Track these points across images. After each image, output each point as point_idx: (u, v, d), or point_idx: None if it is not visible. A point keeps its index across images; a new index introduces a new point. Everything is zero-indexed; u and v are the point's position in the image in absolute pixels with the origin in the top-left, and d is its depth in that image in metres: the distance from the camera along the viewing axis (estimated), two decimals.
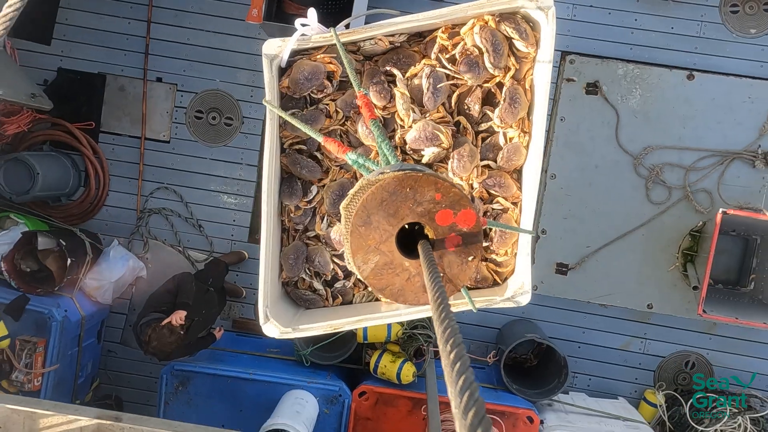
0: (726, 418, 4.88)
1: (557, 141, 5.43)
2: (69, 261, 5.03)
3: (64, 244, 5.06)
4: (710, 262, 4.62)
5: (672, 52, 5.37)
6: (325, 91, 2.61)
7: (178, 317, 4.31)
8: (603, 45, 5.39)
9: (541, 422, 4.87)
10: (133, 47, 5.60)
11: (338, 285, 2.77)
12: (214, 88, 5.61)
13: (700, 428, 4.95)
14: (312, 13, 2.49)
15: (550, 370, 5.40)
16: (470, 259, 1.76)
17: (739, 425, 4.96)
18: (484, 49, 2.51)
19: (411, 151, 2.61)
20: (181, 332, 4.34)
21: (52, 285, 5.10)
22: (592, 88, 5.37)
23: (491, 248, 2.65)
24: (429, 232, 1.72)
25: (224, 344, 5.35)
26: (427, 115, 2.61)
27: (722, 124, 5.31)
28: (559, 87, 5.38)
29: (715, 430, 4.90)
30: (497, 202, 2.67)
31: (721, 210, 4.60)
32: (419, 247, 1.67)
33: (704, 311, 4.67)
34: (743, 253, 5.41)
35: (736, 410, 4.93)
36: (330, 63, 2.56)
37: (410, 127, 2.58)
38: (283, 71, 2.60)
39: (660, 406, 5.38)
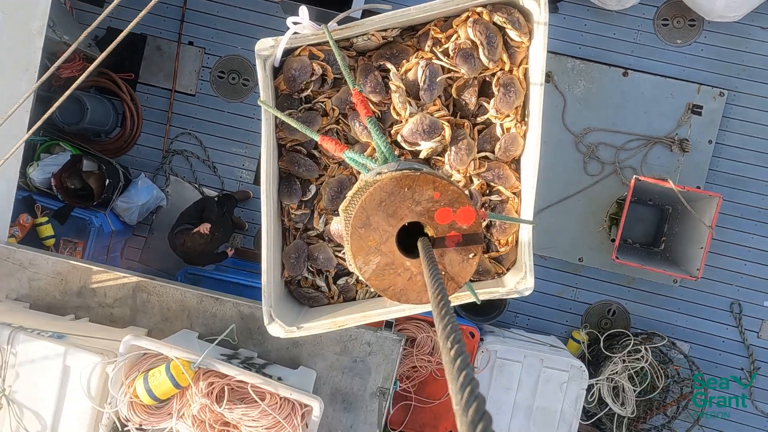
0: (630, 347, 6.00)
1: None
2: (107, 181, 6.13)
3: (104, 167, 6.17)
4: (624, 216, 5.77)
5: (612, 53, 6.56)
6: (313, 78, 2.58)
7: (204, 228, 5.39)
8: (557, 43, 6.58)
9: (482, 340, 5.98)
10: (171, 15, 6.75)
11: (341, 282, 2.76)
12: (236, 53, 6.75)
13: (609, 354, 6.07)
14: (303, 11, 2.48)
15: (495, 305, 6.53)
16: (471, 256, 1.72)
17: (642, 356, 6.09)
18: (478, 42, 2.49)
19: (408, 145, 2.58)
20: (207, 240, 5.43)
21: (91, 202, 6.19)
22: (545, 78, 6.53)
23: (492, 239, 2.65)
24: (429, 231, 1.70)
25: (228, 264, 6.45)
26: (424, 108, 2.58)
27: (648, 114, 6.49)
28: None
29: (620, 357, 6.01)
30: (497, 192, 2.65)
31: (634, 177, 5.75)
32: (419, 245, 1.65)
33: (617, 257, 5.81)
34: (658, 221, 6.58)
35: (639, 342, 6.05)
36: (314, 58, 2.59)
37: (406, 120, 2.55)
38: (277, 71, 2.61)
39: (583, 342, 6.51)
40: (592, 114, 6.53)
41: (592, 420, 6.11)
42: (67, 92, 4.15)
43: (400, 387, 5.58)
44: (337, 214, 2.63)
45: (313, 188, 2.72)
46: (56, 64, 4.51)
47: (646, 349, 6.04)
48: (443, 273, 1.70)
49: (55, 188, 6.09)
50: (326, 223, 2.72)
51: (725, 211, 6.25)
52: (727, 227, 6.37)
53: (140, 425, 3.73)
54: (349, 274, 2.75)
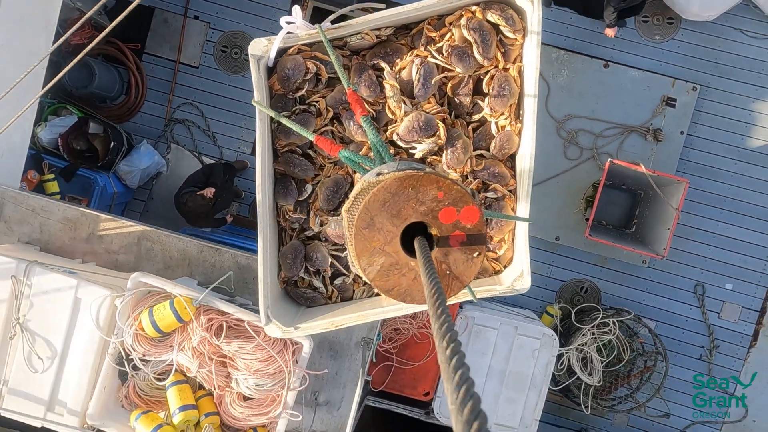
0: (599, 319, 6.42)
1: None
2: (112, 144, 6.43)
3: (110, 131, 6.47)
4: (598, 196, 6.18)
5: (595, 46, 6.97)
6: (308, 77, 2.58)
7: (209, 191, 5.71)
8: (543, 34, 6.93)
9: (461, 307, 6.36)
10: None
11: (338, 282, 2.75)
12: (239, 29, 7.08)
13: (580, 326, 6.49)
14: (297, 10, 2.49)
15: None
16: (476, 255, 1.71)
17: (610, 330, 6.52)
18: (472, 41, 2.49)
19: (404, 144, 2.57)
20: (210, 204, 5.75)
21: (95, 163, 6.49)
22: None
23: (489, 236, 2.66)
24: (433, 230, 1.69)
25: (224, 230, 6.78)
26: (419, 106, 2.58)
27: (626, 104, 6.91)
28: None
29: (589, 328, 6.43)
30: (493, 189, 2.65)
31: (609, 160, 6.17)
32: (415, 244, 1.65)
33: (590, 234, 6.22)
34: (631, 205, 7.01)
35: (608, 315, 6.47)
36: (309, 57, 2.59)
37: (401, 119, 2.54)
38: (271, 71, 2.63)
39: (555, 316, 6.92)
40: (573, 102, 6.93)
41: (561, 387, 6.52)
42: (82, 53, 4.46)
43: (382, 349, 5.95)
44: (333, 215, 2.68)
45: (309, 188, 2.72)
46: (73, 29, 4.85)
47: (614, 322, 6.46)
48: (448, 272, 1.70)
49: (62, 148, 6.38)
50: (322, 224, 2.71)
51: (693, 198, 6.70)
52: (694, 213, 6.81)
53: (143, 355, 4.06)
54: (346, 274, 2.76)
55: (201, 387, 4.30)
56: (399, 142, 2.58)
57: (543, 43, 6.57)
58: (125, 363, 4.08)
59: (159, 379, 4.19)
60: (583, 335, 6.47)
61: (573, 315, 6.65)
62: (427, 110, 2.57)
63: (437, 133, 2.54)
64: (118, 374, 4.23)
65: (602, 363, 6.55)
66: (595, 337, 6.52)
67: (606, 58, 6.94)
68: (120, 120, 7.04)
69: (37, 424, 4.09)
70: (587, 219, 6.49)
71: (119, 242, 4.84)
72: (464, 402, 0.87)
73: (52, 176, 6.10)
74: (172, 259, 4.86)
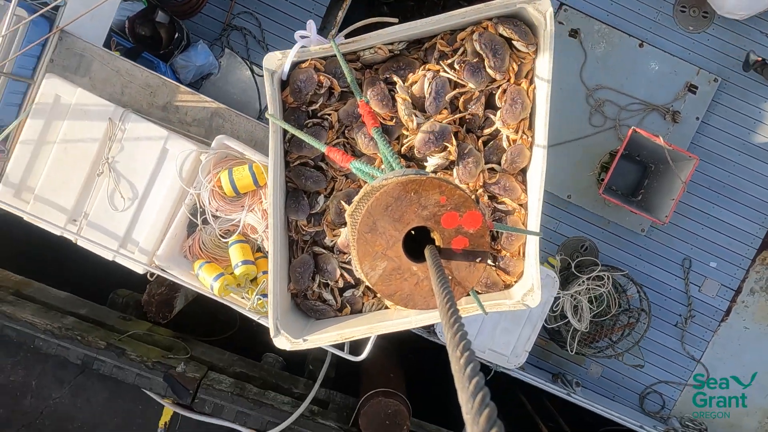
0: (596, 272, 7.05)
1: None
2: (176, 35, 6.74)
3: (175, 23, 6.76)
4: (617, 159, 6.76)
5: (633, 25, 7.50)
6: (322, 91, 2.59)
7: None
8: (589, 6, 7.47)
9: None
10: None
11: (347, 294, 2.78)
12: None
13: (578, 274, 7.10)
14: (311, 24, 2.56)
15: None
16: (478, 260, 1.70)
17: (604, 283, 7.15)
18: (484, 55, 2.50)
19: (419, 155, 2.60)
20: None
21: (157, 50, 6.79)
22: (573, 34, 7.45)
23: (499, 250, 2.67)
24: (435, 235, 1.68)
25: None
26: (431, 119, 2.60)
27: (652, 83, 7.48)
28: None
29: (585, 278, 7.05)
30: (503, 203, 2.66)
31: (632, 128, 6.74)
32: (426, 252, 1.64)
33: (603, 193, 6.81)
34: (641, 177, 7.63)
35: (604, 270, 7.10)
36: (318, 68, 2.60)
37: (414, 132, 2.56)
38: (285, 84, 2.66)
39: (555, 267, 7.52)
40: (606, 74, 7.47)
41: (552, 326, 7.15)
42: None
43: None
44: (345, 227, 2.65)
45: (321, 199, 2.74)
46: None
47: (608, 276, 7.10)
48: (450, 278, 1.68)
49: (128, 30, 6.66)
50: (335, 236, 2.75)
51: (697, 180, 7.34)
52: (694, 194, 7.45)
53: (216, 210, 4.49)
54: (355, 286, 2.77)
55: (258, 250, 4.75)
56: (416, 154, 2.62)
57: (589, 14, 7.01)
58: (197, 215, 4.50)
59: (222, 237, 4.63)
60: (579, 284, 7.10)
61: (572, 266, 7.27)
62: (440, 120, 2.61)
63: (448, 149, 2.56)
64: (186, 226, 4.65)
65: (591, 313, 7.20)
66: (589, 288, 7.16)
67: (642, 39, 7.48)
68: (180, 17, 7.32)
69: (110, 256, 4.50)
70: (601, 180, 7.08)
71: (193, 115, 5.22)
72: (480, 410, 0.87)
73: (118, 53, 6.38)
74: (239, 138, 5.25)
